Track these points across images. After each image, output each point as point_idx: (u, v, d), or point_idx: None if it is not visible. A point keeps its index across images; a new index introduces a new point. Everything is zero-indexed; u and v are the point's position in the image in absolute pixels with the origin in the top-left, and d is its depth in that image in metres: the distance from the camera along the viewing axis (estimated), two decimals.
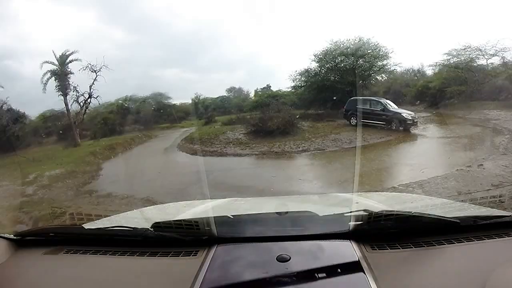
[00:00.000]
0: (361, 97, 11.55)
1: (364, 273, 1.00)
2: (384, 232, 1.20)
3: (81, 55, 11.13)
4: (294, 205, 1.91)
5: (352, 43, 12.23)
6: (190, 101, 15.16)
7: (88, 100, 11.63)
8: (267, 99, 13.44)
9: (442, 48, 12.83)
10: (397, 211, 1.23)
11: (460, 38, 13.68)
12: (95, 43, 14.98)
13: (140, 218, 1.29)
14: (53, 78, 11.03)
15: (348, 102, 11.49)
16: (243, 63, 18.37)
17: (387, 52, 12.12)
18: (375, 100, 11.21)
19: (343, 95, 12.32)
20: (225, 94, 16.09)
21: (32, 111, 11.74)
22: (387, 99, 11.61)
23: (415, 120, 10.53)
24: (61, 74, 11.05)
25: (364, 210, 1.23)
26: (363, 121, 10.81)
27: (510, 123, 9.73)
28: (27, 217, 5.39)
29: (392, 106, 10.99)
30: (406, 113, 10.54)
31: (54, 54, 10.93)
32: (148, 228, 1.23)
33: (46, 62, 10.90)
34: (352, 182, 4.88)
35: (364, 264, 1.04)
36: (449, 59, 12.01)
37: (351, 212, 1.26)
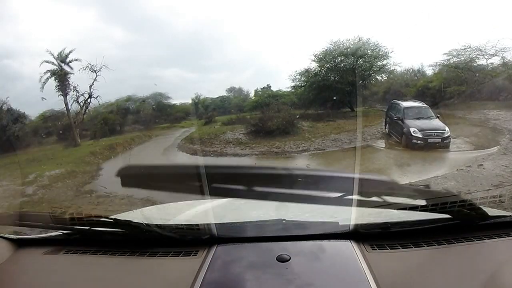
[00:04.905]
0: (400, 101, 9.88)
1: (364, 273, 1.00)
2: (384, 232, 1.20)
3: (81, 55, 11.11)
4: (294, 205, 1.90)
5: (352, 43, 12.19)
6: (190, 101, 15.13)
7: (88, 100, 11.62)
8: (267, 99, 13.39)
9: (442, 48, 12.74)
10: (397, 210, 1.23)
11: (460, 38, 13.59)
12: (95, 42, 14.94)
13: (140, 218, 1.29)
14: (53, 78, 11.00)
15: (389, 105, 10.38)
16: (243, 63, 18.38)
17: (387, 52, 12.04)
18: (398, 105, 9.59)
19: (343, 95, 12.31)
20: (225, 94, 16.07)
21: (32, 111, 11.74)
22: (427, 103, 9.64)
23: (430, 140, 8.17)
24: (61, 74, 11.01)
25: (364, 210, 1.23)
26: (389, 130, 9.81)
27: (510, 123, 9.72)
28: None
29: (416, 114, 9.00)
30: (415, 129, 8.36)
31: (52, 54, 10.90)
32: (148, 228, 1.23)
33: (46, 61, 10.88)
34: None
35: (364, 264, 1.04)
36: (449, 59, 11.98)
37: (351, 212, 1.26)
